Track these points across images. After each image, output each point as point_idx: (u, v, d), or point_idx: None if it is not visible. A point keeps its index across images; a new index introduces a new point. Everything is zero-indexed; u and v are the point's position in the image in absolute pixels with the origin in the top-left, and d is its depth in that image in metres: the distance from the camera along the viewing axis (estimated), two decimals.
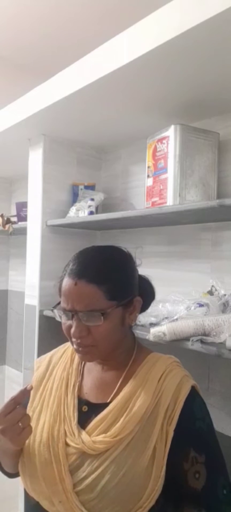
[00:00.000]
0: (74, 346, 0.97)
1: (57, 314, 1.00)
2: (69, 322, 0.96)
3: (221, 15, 1.02)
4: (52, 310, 1.02)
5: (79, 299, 0.93)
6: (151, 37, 1.19)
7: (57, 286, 1.01)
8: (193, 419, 0.93)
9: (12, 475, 1.07)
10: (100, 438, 0.90)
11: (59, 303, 0.99)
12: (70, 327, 0.96)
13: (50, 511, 0.92)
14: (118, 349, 1.01)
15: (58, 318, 1.00)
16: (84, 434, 0.92)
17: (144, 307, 1.08)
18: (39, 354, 1.86)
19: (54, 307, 1.01)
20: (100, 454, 0.89)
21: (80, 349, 0.96)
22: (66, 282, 0.96)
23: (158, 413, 0.91)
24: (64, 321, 0.98)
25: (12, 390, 2.94)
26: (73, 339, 0.96)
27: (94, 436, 0.91)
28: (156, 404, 0.92)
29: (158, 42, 1.17)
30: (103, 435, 0.90)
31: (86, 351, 0.96)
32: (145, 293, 1.06)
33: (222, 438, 1.54)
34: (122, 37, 1.32)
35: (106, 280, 0.94)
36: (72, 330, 0.94)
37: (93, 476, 0.88)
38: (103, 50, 1.40)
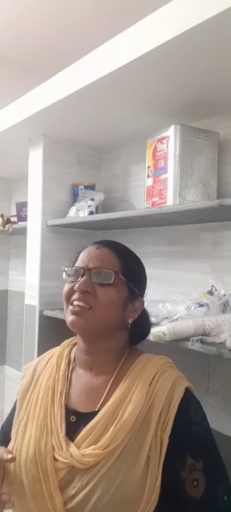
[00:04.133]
0: (70, 307, 0.94)
1: (65, 273, 0.99)
2: (74, 283, 0.94)
3: (221, 15, 1.02)
4: (63, 270, 1.00)
5: (97, 260, 0.96)
6: (151, 37, 1.19)
7: (73, 257, 1.03)
8: (188, 423, 0.87)
9: None
10: (89, 450, 0.84)
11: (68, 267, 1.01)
12: (74, 286, 0.94)
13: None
14: (108, 338, 0.96)
15: (64, 276, 0.99)
16: (72, 447, 0.86)
17: (136, 338, 1.05)
18: (39, 354, 1.85)
19: (64, 268, 1.00)
20: (91, 468, 0.83)
21: (76, 308, 0.92)
22: (88, 248, 1.00)
23: (150, 419, 0.86)
24: (69, 283, 0.96)
25: (12, 390, 2.94)
26: (73, 297, 0.93)
27: (84, 448, 0.85)
28: (148, 409, 0.87)
29: (158, 42, 1.17)
30: (93, 446, 0.85)
31: (81, 311, 0.92)
32: (141, 322, 1.04)
33: (222, 438, 1.55)
34: (122, 37, 1.32)
35: (125, 259, 0.99)
36: (78, 284, 0.93)
37: (83, 492, 0.82)
38: (103, 50, 1.40)
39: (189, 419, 0.88)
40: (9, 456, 0.87)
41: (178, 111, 1.61)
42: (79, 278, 0.94)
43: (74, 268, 0.97)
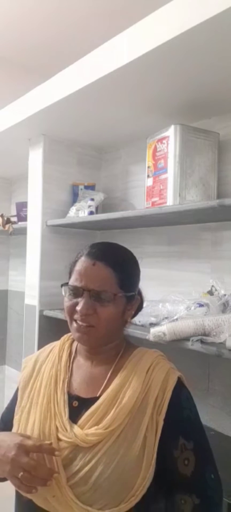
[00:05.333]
0: (74, 324, 0.99)
1: (64, 291, 1.02)
2: (75, 300, 0.99)
3: (221, 15, 1.02)
4: (61, 286, 1.03)
5: (95, 279, 0.97)
6: (151, 37, 1.19)
7: (69, 267, 1.05)
8: (181, 408, 0.96)
9: (2, 478, 1.04)
10: (92, 430, 0.92)
11: (66, 283, 1.03)
12: (75, 304, 0.98)
13: (45, 508, 0.92)
14: (110, 343, 1.03)
15: (63, 294, 1.02)
16: (76, 428, 0.94)
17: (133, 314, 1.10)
18: None
19: (63, 285, 1.03)
20: (93, 446, 0.91)
21: (81, 327, 0.98)
22: (84, 261, 1.00)
23: (147, 403, 0.94)
24: (70, 299, 1.00)
25: (12, 390, 2.94)
26: (76, 316, 0.98)
27: (87, 429, 0.93)
28: (145, 394, 0.95)
29: (158, 42, 1.17)
30: (96, 427, 0.92)
31: (85, 331, 0.98)
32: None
33: (222, 438, 1.55)
34: (122, 37, 1.32)
35: (121, 268, 1.00)
36: (80, 306, 0.96)
37: (86, 468, 0.90)
38: (103, 50, 1.40)
39: (181, 404, 0.97)
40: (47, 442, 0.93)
41: (178, 111, 1.61)
42: (80, 298, 0.98)
43: (73, 286, 1.00)
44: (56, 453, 0.91)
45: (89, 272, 0.98)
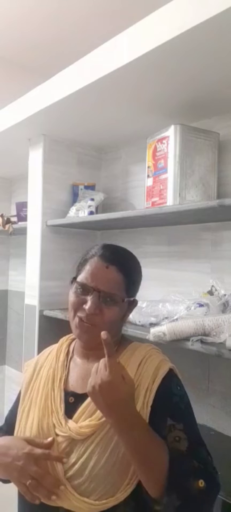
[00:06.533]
0: (77, 320, 1.01)
1: (72, 286, 1.05)
2: (82, 297, 1.01)
3: (221, 15, 1.02)
4: (71, 282, 1.05)
5: (107, 281, 1.00)
6: (151, 37, 1.20)
7: (77, 264, 1.07)
8: (170, 394, 0.98)
9: (6, 480, 1.08)
10: (86, 422, 0.96)
11: (74, 278, 1.05)
12: (82, 301, 1.00)
13: (45, 501, 0.94)
14: None
15: (72, 290, 1.04)
16: (71, 422, 0.98)
17: None
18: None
19: (73, 280, 1.05)
20: (87, 438, 0.95)
21: (84, 325, 1.00)
22: (97, 262, 1.02)
23: (139, 395, 0.97)
24: (76, 295, 1.02)
25: (12, 391, 2.94)
26: (81, 313, 1.00)
27: (81, 422, 0.97)
28: (137, 386, 0.97)
29: (158, 42, 1.17)
30: (89, 419, 0.96)
31: (87, 330, 1.00)
32: None
33: (222, 438, 1.55)
34: (122, 37, 1.32)
35: (130, 275, 1.05)
36: (88, 305, 0.99)
37: (81, 460, 0.93)
38: (103, 50, 1.40)
39: (171, 391, 0.99)
40: (49, 439, 0.97)
41: (178, 111, 1.61)
42: (87, 297, 1.00)
43: (83, 284, 1.02)
44: (64, 460, 0.94)
45: (101, 274, 1.00)
